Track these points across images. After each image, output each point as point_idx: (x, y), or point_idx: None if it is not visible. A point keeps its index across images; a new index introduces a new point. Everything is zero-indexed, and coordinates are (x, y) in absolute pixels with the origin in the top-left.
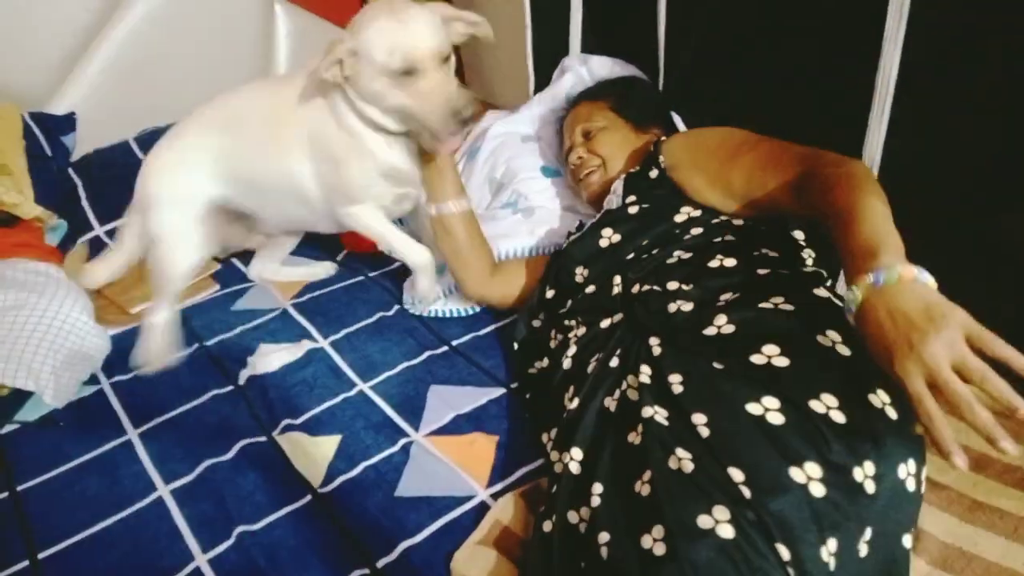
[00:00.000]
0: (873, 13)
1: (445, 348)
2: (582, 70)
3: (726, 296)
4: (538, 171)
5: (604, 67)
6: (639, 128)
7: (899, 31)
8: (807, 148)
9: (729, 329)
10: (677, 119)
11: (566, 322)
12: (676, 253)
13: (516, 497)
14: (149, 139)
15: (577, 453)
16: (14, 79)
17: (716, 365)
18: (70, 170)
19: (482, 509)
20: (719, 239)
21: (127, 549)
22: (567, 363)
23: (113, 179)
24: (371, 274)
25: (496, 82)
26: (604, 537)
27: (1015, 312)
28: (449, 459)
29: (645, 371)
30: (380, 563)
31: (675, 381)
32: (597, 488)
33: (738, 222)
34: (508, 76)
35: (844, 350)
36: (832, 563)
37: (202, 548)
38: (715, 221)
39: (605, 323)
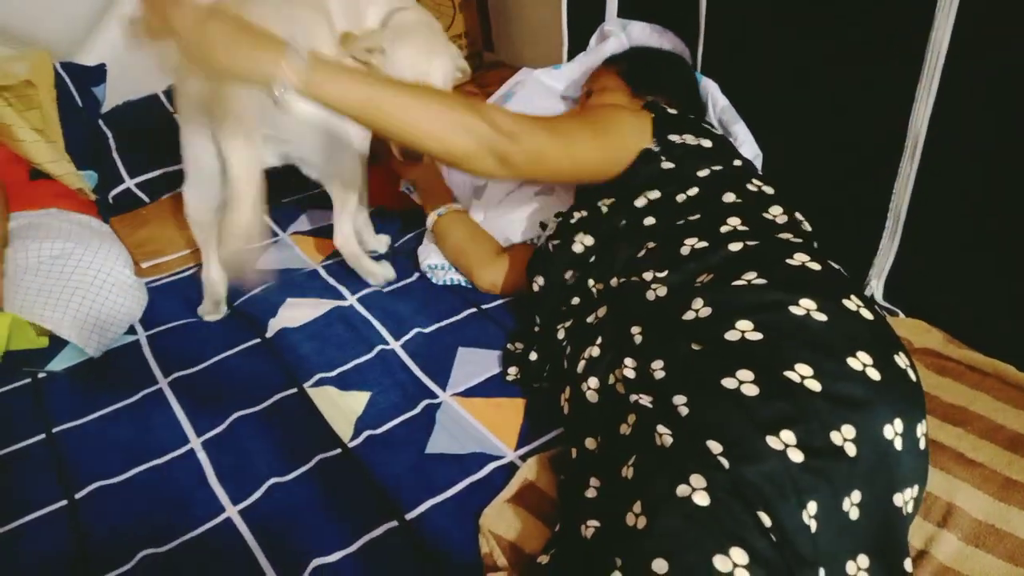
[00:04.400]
0: None
1: (474, 310)
2: (622, 35)
3: (702, 278)
4: None
5: (643, 33)
6: (635, 94)
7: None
8: None
9: (706, 312)
10: (714, 86)
11: (572, 301)
12: (647, 244)
13: (544, 460)
14: None
15: (574, 453)
16: (44, 29)
17: (694, 347)
18: (100, 122)
19: (511, 469)
20: (682, 221)
21: (160, 496)
22: (560, 358)
23: (143, 132)
24: (395, 244)
25: (527, 46)
26: (593, 523)
27: None
28: (478, 420)
29: (629, 364)
30: (409, 516)
31: (657, 367)
32: (594, 482)
33: (692, 194)
34: (540, 40)
35: (820, 316)
36: (814, 525)
37: (232, 499)
38: (680, 198)
39: (591, 318)
